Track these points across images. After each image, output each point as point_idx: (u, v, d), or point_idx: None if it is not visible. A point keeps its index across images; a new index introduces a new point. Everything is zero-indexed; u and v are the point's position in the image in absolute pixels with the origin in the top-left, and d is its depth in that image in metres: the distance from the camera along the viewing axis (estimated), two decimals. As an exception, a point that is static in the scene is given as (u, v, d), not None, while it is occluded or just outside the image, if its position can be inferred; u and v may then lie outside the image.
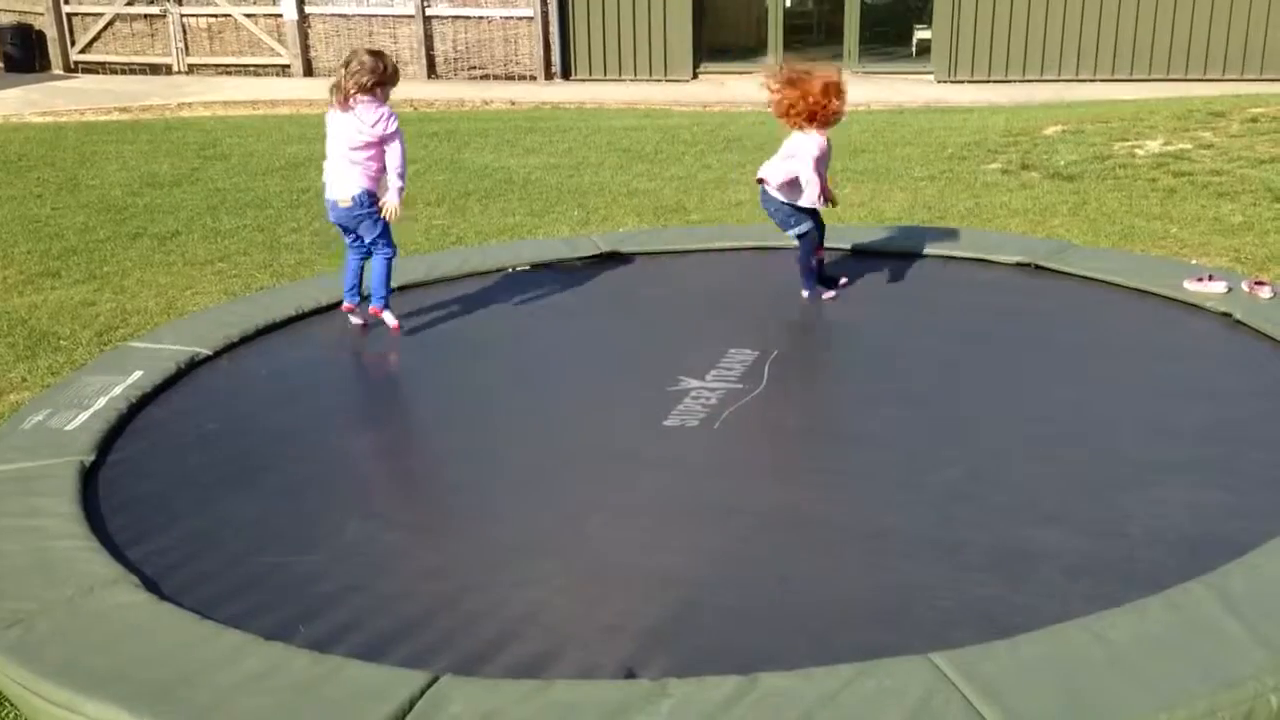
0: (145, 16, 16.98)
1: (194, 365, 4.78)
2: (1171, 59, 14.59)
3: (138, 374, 4.57)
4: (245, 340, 5.05)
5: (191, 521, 3.56)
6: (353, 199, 4.77)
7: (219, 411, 4.39)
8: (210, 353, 4.88)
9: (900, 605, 2.96)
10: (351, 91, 4.72)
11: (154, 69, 17.05)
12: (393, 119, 4.78)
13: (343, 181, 4.80)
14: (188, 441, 4.14)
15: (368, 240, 4.86)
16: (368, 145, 4.74)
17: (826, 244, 5.66)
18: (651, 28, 15.77)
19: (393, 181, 4.80)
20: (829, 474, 3.69)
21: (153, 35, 17.06)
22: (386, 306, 4.95)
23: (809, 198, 5.23)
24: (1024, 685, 2.51)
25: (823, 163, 5.23)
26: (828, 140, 5.24)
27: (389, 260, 4.86)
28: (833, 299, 5.39)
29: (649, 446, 3.91)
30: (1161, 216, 7.26)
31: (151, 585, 3.14)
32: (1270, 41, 14.30)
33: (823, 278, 5.52)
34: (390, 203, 4.82)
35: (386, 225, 4.85)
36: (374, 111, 4.74)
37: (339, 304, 5.39)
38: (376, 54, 4.82)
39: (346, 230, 4.96)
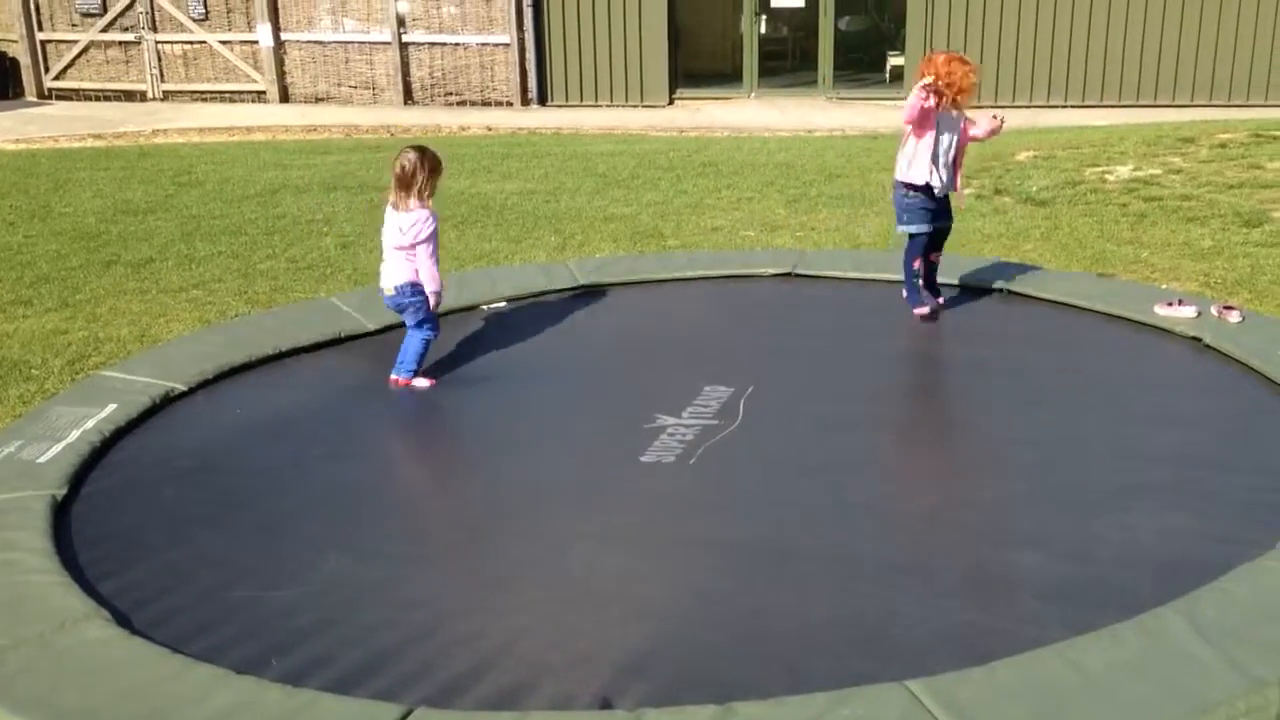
0: (120, 43, 16.95)
1: (169, 400, 4.74)
2: (1141, 85, 14.78)
3: (111, 407, 4.53)
4: (221, 376, 5.02)
5: (164, 556, 3.53)
6: (395, 289, 4.97)
7: (193, 445, 4.36)
8: (185, 388, 4.84)
9: (875, 633, 2.96)
10: (399, 196, 4.91)
11: (128, 95, 17.01)
12: (426, 225, 4.90)
13: (388, 271, 5.01)
14: (161, 476, 4.11)
15: (411, 325, 5.05)
16: (409, 245, 4.91)
17: (803, 271, 5.68)
18: (628, 54, 15.87)
19: (426, 286, 4.95)
20: (804, 506, 3.69)
21: (127, 62, 17.02)
22: (412, 376, 5.01)
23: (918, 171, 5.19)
24: (999, 712, 2.52)
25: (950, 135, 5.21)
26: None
27: (426, 341, 5.03)
28: (925, 315, 5.37)
29: (626, 482, 3.90)
30: (1132, 241, 7.34)
31: (123, 620, 3.11)
32: (1238, 68, 14.51)
33: (929, 282, 5.53)
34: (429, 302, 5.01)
35: (427, 311, 5.01)
36: (412, 215, 4.89)
37: (319, 345, 5.35)
38: (419, 151, 4.96)
39: (400, 313, 5.15)
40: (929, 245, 5.37)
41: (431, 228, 4.91)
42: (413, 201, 4.87)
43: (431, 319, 5.04)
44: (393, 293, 4.99)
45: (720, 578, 3.29)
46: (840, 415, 4.42)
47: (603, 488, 3.89)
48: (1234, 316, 4.97)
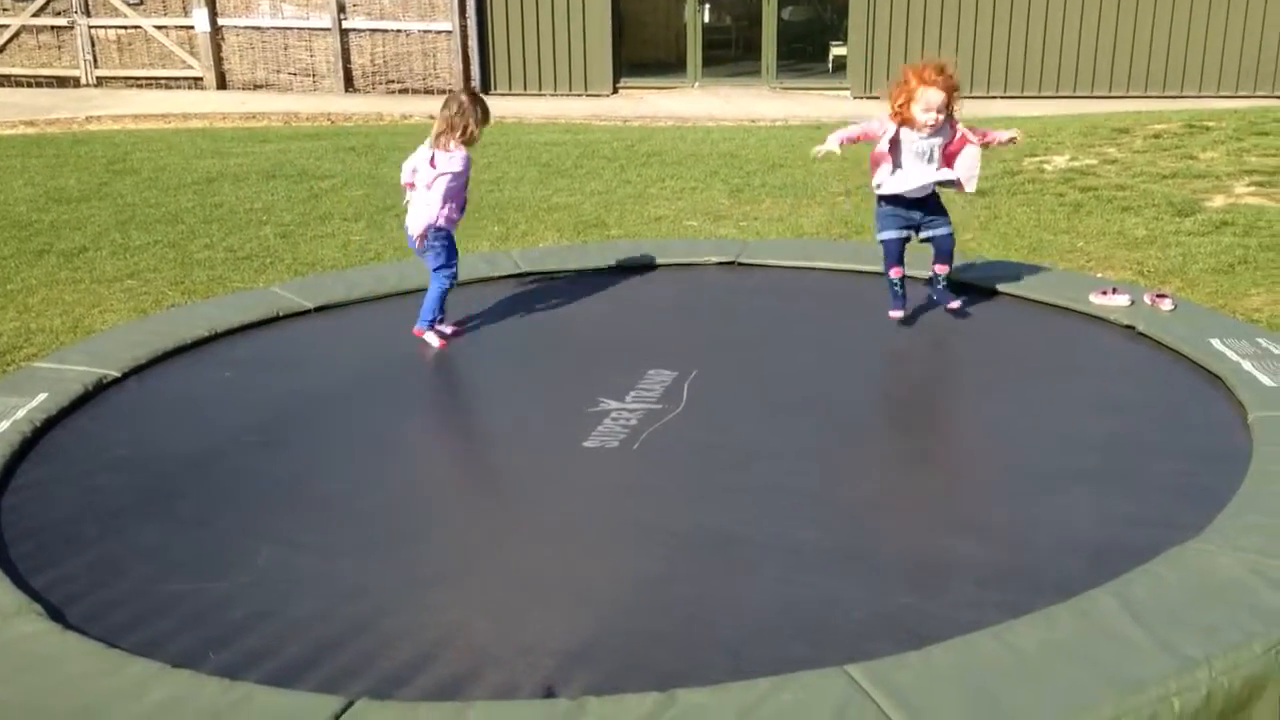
0: (52, 28, 16.58)
1: (101, 387, 4.66)
2: (1078, 77, 15.01)
3: (42, 396, 4.44)
4: (155, 361, 4.94)
5: (98, 548, 3.46)
6: (423, 230, 5.03)
7: (127, 435, 4.29)
8: (119, 374, 4.76)
9: (817, 619, 2.99)
10: (445, 135, 4.99)
11: (61, 81, 16.65)
12: (460, 162, 5.00)
13: (413, 215, 5.06)
14: (94, 465, 4.03)
15: (431, 269, 5.09)
16: (432, 180, 4.98)
17: (746, 260, 5.66)
18: (571, 42, 15.81)
19: (422, 218, 4.99)
20: (746, 492, 3.71)
21: (60, 47, 16.66)
22: (430, 329, 5.08)
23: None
24: (936, 694, 2.55)
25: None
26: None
27: (443, 289, 5.08)
28: (899, 317, 5.17)
29: (569, 468, 3.90)
30: (1069, 230, 7.46)
31: (56, 614, 3.05)
32: (1171, 61, 14.78)
33: (943, 290, 5.27)
34: (413, 227, 5.03)
35: (448, 257, 5.06)
36: (451, 154, 4.98)
37: (254, 324, 5.32)
38: (472, 95, 5.10)
39: (421, 256, 5.20)
40: (935, 256, 5.17)
41: (463, 166, 4.97)
42: (454, 143, 4.96)
43: (449, 266, 5.05)
44: (416, 237, 5.05)
45: (663, 565, 3.29)
46: (783, 402, 4.44)
47: (545, 474, 3.87)
48: (1166, 304, 5.06)
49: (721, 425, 4.22)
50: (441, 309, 5.13)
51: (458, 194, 5.10)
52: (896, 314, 5.14)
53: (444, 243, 5.07)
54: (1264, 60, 14.64)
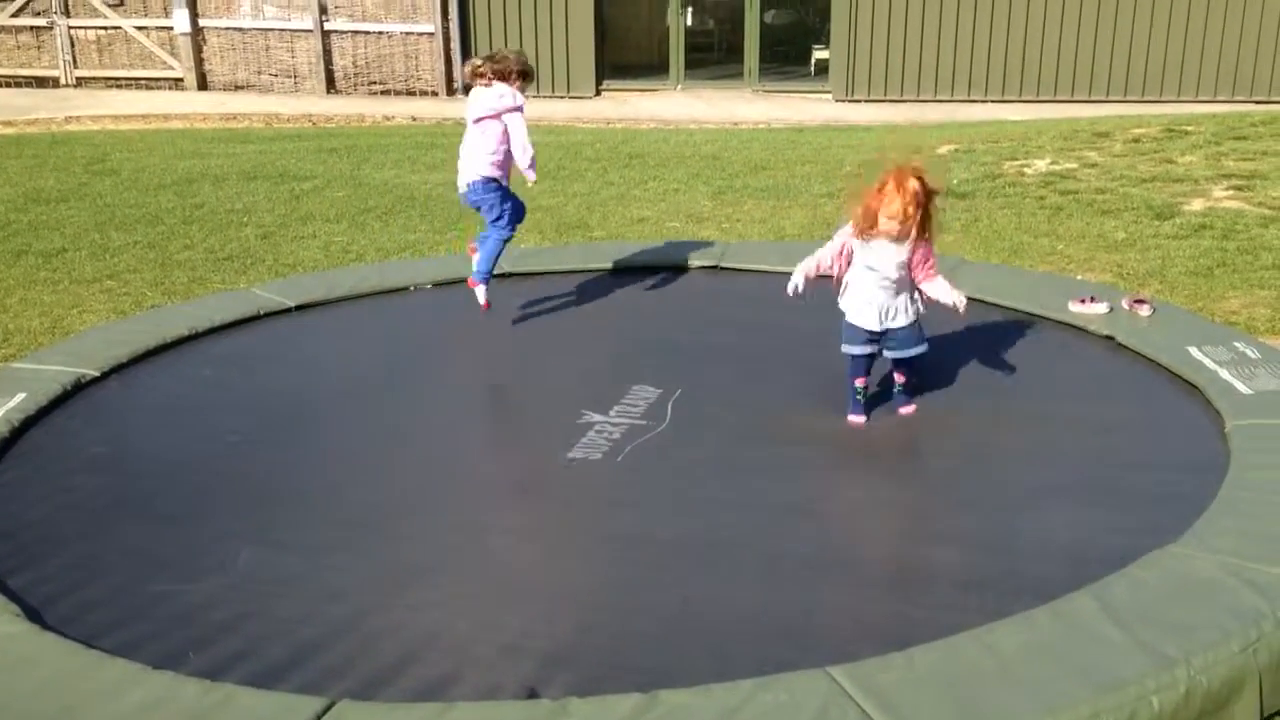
0: (31, 28, 16.46)
1: (80, 386, 4.64)
2: (1058, 81, 15.08)
3: (20, 396, 4.41)
4: (134, 360, 4.92)
5: (77, 548, 3.45)
6: (469, 185, 5.07)
7: (107, 434, 4.27)
8: (97, 373, 4.74)
9: (799, 623, 3.00)
10: (490, 77, 5.04)
11: (40, 82, 16.53)
12: (516, 96, 5.05)
13: (464, 167, 5.10)
14: (74, 465, 4.01)
15: (489, 221, 5.11)
16: (495, 114, 5.02)
17: (727, 265, 5.67)
18: (554, 45, 15.80)
19: (521, 155, 5.06)
20: (731, 504, 3.69)
21: (39, 47, 16.55)
22: (484, 283, 5.15)
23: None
24: (918, 695, 2.56)
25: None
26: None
27: (503, 241, 5.12)
28: (857, 425, 4.34)
29: (552, 476, 3.89)
30: (1049, 233, 7.49)
31: (34, 615, 3.04)
32: (1151, 65, 14.87)
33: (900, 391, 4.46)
34: (526, 174, 5.12)
35: (507, 209, 5.08)
36: (500, 87, 5.04)
37: (233, 323, 5.31)
38: (517, 53, 5.19)
39: (478, 211, 5.22)
40: (898, 365, 4.38)
41: (521, 101, 5.02)
42: (499, 82, 5.01)
43: (506, 217, 5.07)
44: (466, 189, 5.08)
45: (646, 570, 3.29)
46: (765, 414, 4.41)
47: (528, 481, 3.87)
48: (1144, 310, 5.09)
49: (704, 439, 4.19)
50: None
51: (504, 137, 5.04)
52: (857, 420, 4.26)
53: (497, 193, 5.04)
54: (1241, 65, 14.75)
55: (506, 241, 5.14)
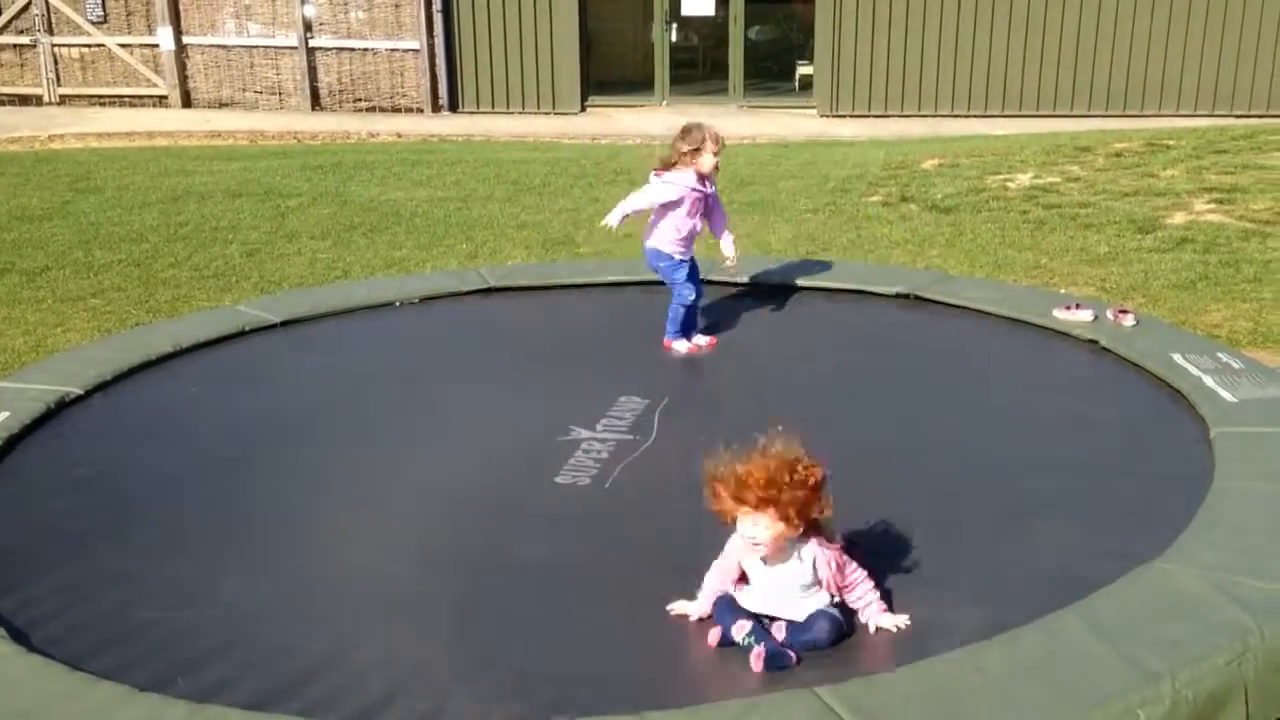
0: (14, 46, 16.43)
1: (64, 405, 4.61)
2: (1040, 96, 15.19)
3: (3, 415, 4.38)
4: (119, 379, 4.89)
5: (62, 572, 3.42)
6: (645, 253, 5.32)
7: (92, 455, 4.24)
8: (81, 392, 4.71)
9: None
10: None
11: (24, 100, 16.49)
12: (657, 186, 5.17)
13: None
14: (58, 486, 3.98)
15: (668, 285, 5.30)
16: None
17: (713, 279, 5.69)
18: (539, 61, 15.84)
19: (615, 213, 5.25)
20: (716, 523, 3.66)
21: (22, 65, 16.51)
22: (676, 338, 5.27)
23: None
24: (905, 715, 2.56)
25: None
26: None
27: (678, 306, 5.24)
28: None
29: (541, 499, 3.85)
30: (1032, 247, 7.54)
31: (20, 637, 3.01)
32: (1132, 80, 14.99)
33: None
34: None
35: (681, 277, 5.22)
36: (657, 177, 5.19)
37: (218, 340, 5.29)
38: (683, 132, 5.14)
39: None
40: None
41: (655, 186, 5.13)
42: (663, 171, 5.14)
43: (680, 286, 5.20)
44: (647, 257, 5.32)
45: (632, 590, 3.28)
46: (749, 426, 4.40)
47: (514, 500, 3.85)
48: (1128, 320, 5.12)
49: (692, 455, 4.18)
50: (686, 322, 5.26)
51: (669, 218, 5.15)
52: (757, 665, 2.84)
53: (668, 264, 5.21)
54: (1222, 80, 14.88)
55: (683, 308, 5.25)
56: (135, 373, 4.98)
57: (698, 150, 5.05)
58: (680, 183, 5.09)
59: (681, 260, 5.24)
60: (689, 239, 5.23)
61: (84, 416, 4.58)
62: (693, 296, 5.22)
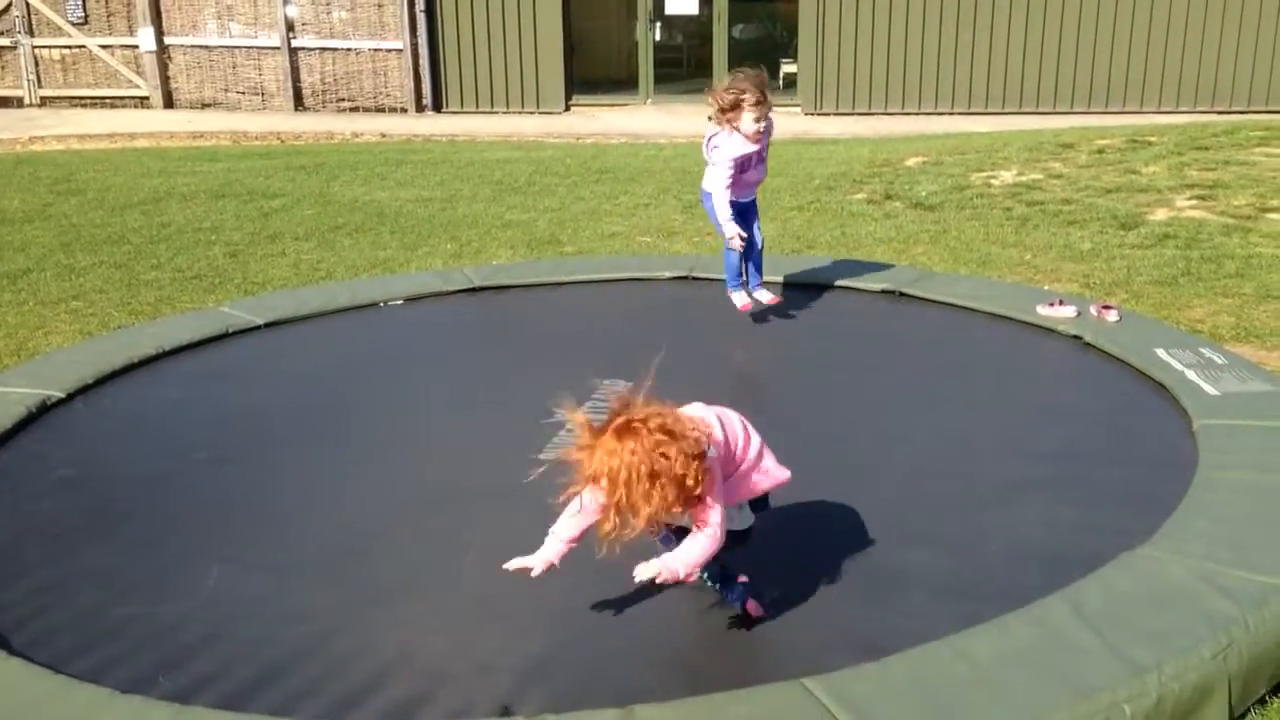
0: (-6, 46, 16.34)
1: (46, 408, 4.58)
2: (1023, 93, 15.23)
3: (-15, 419, 4.36)
4: (101, 381, 4.87)
5: (44, 572, 3.40)
6: (701, 192, 5.20)
7: (73, 456, 4.22)
8: (63, 395, 4.68)
9: (775, 634, 2.99)
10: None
11: (4, 102, 16.39)
12: (715, 148, 5.02)
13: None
14: (40, 488, 3.96)
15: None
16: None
17: (699, 275, 5.69)
18: (523, 60, 15.81)
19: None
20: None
21: (2, 67, 16.41)
22: (734, 290, 5.19)
23: None
24: (893, 704, 2.57)
25: None
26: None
27: (726, 251, 5.15)
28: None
29: (523, 485, 3.85)
30: (1016, 244, 7.55)
31: (1, 641, 2.99)
32: (1114, 77, 15.05)
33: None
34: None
35: (718, 224, 5.08)
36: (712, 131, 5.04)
37: (201, 342, 5.28)
38: (726, 86, 4.93)
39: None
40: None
41: (717, 148, 4.98)
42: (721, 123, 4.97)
43: (725, 235, 5.03)
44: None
45: (618, 585, 3.27)
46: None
47: (500, 489, 3.85)
48: (1112, 315, 5.14)
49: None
50: (740, 273, 5.15)
51: (725, 170, 4.98)
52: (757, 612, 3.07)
53: (711, 208, 5.07)
54: (1203, 76, 14.95)
55: (731, 256, 5.16)
56: (118, 375, 4.96)
57: (737, 108, 4.84)
58: (729, 155, 4.92)
59: (731, 200, 5.03)
60: (744, 186, 5.08)
61: (66, 420, 4.56)
62: (732, 235, 5.00)
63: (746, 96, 4.82)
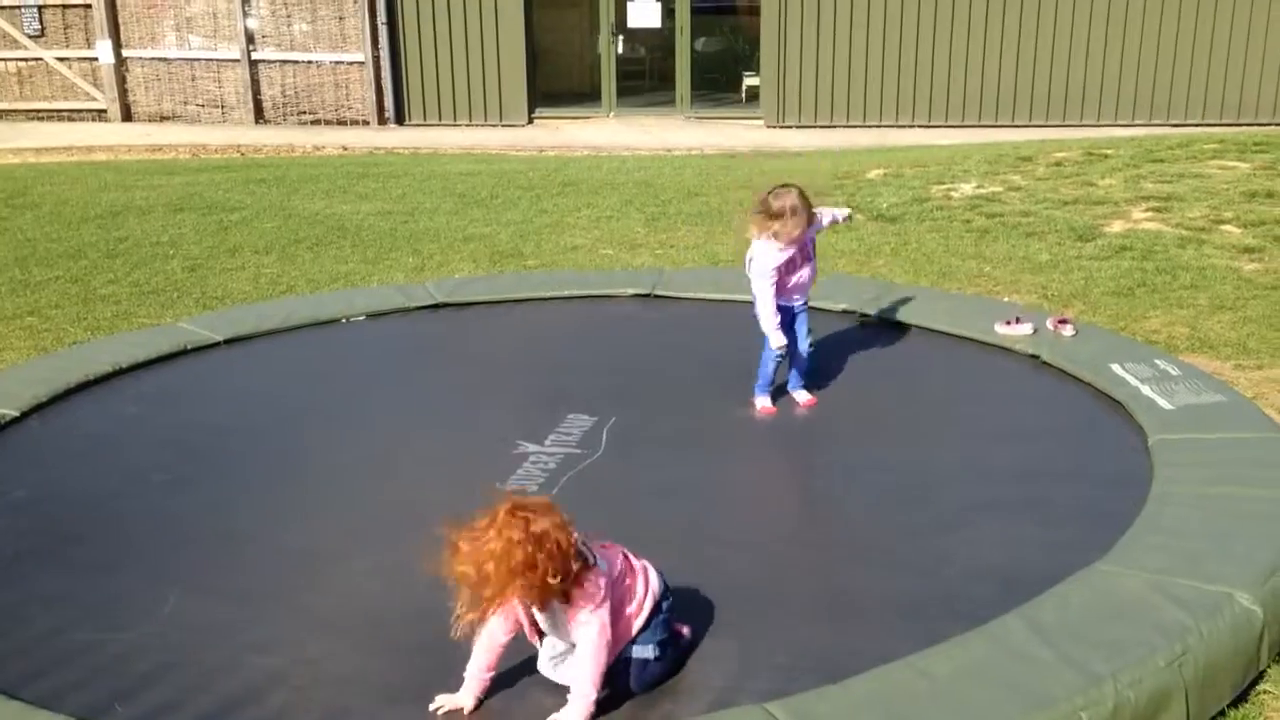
0: (-52, 58, 16.12)
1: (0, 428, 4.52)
2: (983, 106, 15.39)
3: (-64, 440, 4.29)
4: (56, 399, 4.81)
5: (-4, 597, 3.35)
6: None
7: (27, 477, 4.16)
8: (17, 414, 4.62)
9: (737, 658, 2.98)
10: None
11: (-42, 113, 16.17)
12: (751, 260, 4.76)
13: None
14: (-8, 511, 3.90)
15: None
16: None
17: (661, 293, 5.67)
18: (486, 73, 15.80)
19: None
20: (665, 533, 3.64)
21: (-44, 78, 16.19)
22: (762, 392, 4.83)
23: None
24: (854, 723, 2.57)
25: None
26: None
27: (764, 353, 4.80)
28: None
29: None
30: (976, 256, 7.62)
31: (-49, 668, 2.94)
32: (1071, 90, 15.23)
33: None
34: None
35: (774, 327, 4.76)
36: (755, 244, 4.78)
37: (158, 359, 5.23)
38: (765, 201, 4.68)
39: None
40: None
41: (753, 259, 4.72)
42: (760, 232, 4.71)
43: (769, 343, 4.73)
44: None
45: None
46: (699, 442, 4.43)
47: (460, 515, 3.82)
48: (1067, 330, 5.19)
49: (638, 469, 4.19)
50: (772, 380, 4.83)
51: (766, 281, 4.73)
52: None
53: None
54: (1158, 90, 15.17)
55: (767, 360, 4.81)
56: (73, 393, 4.90)
57: (780, 216, 4.61)
58: (769, 265, 4.69)
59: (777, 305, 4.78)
60: (790, 290, 4.83)
61: (19, 439, 4.50)
62: (777, 346, 4.72)
63: (786, 220, 4.60)
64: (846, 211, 5.25)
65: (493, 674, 2.84)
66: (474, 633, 2.73)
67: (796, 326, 4.88)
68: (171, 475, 4.17)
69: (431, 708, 2.80)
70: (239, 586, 3.40)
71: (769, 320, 4.71)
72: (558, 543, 2.61)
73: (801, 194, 4.67)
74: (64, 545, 3.65)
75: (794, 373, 4.92)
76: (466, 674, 2.82)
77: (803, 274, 4.86)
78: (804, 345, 4.88)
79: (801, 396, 4.89)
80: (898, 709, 2.61)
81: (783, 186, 4.69)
